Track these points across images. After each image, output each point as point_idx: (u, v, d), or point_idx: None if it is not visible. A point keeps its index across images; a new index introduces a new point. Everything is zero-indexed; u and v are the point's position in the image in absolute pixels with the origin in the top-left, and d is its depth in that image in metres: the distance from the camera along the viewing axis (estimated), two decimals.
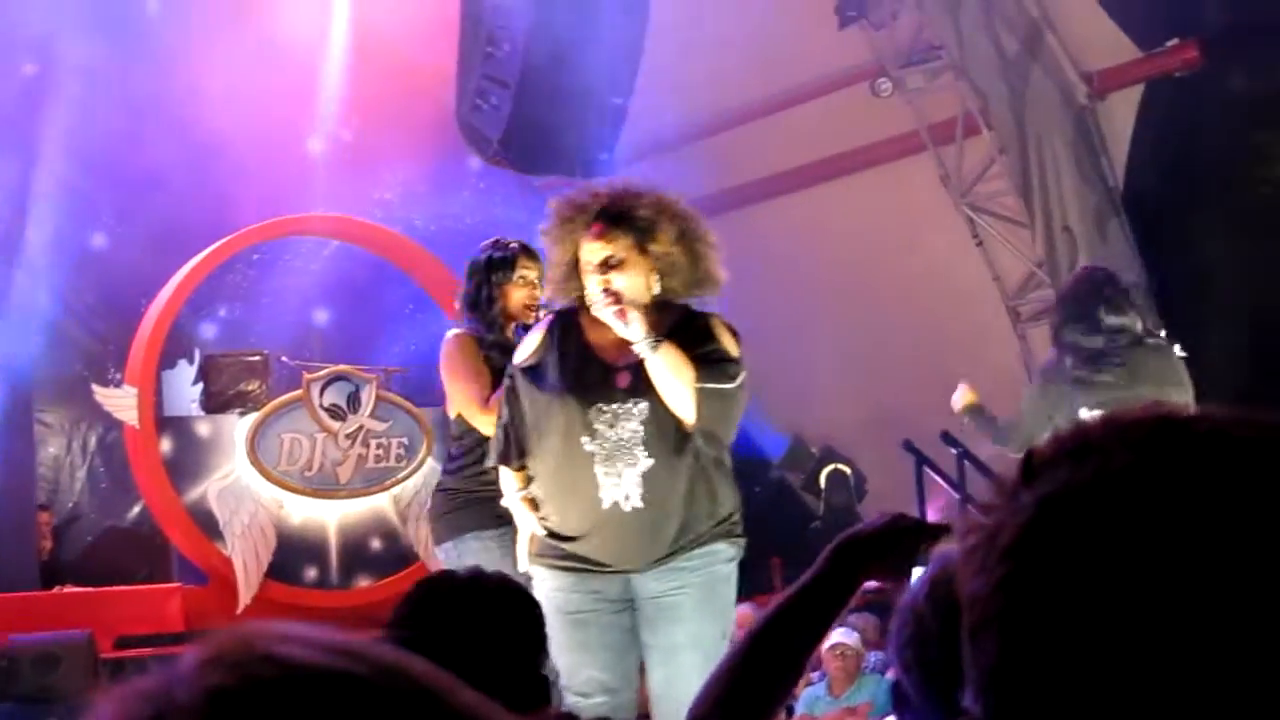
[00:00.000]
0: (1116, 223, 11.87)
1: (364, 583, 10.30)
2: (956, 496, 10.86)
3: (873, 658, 9.04)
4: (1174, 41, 11.57)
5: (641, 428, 5.01)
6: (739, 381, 5.11)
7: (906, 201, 12.42)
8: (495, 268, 6.18)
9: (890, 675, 7.96)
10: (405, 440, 10.39)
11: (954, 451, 11.04)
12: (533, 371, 5.18)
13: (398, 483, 10.34)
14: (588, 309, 5.12)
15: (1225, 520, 0.98)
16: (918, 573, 2.51)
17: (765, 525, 13.63)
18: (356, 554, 10.30)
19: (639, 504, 4.99)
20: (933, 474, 11.20)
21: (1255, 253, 11.92)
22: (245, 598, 9.74)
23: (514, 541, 5.45)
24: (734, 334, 5.21)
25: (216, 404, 10.26)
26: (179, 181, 11.31)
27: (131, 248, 11.60)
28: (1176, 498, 0.99)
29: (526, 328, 5.81)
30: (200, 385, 10.44)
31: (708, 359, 5.05)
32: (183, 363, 10.79)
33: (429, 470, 10.40)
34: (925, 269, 12.38)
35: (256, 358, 10.45)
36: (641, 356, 5.00)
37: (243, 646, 0.89)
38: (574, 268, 5.15)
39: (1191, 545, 0.97)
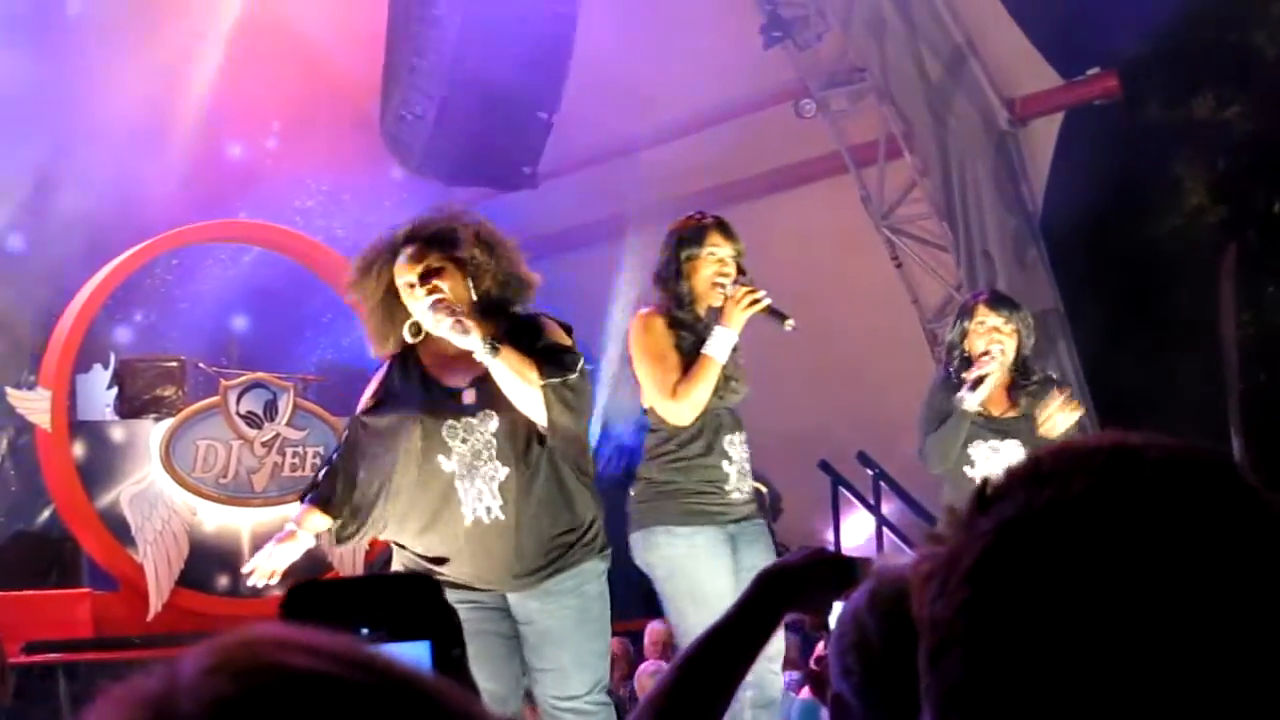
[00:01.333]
0: (1035, 249, 12.00)
1: (277, 592, 10.20)
2: (871, 519, 10.93)
3: (788, 677, 9.06)
4: (1094, 71, 11.71)
5: (494, 439, 5.10)
6: (579, 368, 5.18)
7: (827, 222, 12.49)
8: (684, 242, 5.91)
9: (804, 695, 7.97)
10: (321, 449, 10.32)
11: (870, 472, 11.12)
12: (375, 413, 5.25)
13: None
14: (418, 342, 5.19)
15: (1180, 542, 1.01)
16: (838, 607, 2.54)
17: None
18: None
19: (500, 515, 5.08)
20: (848, 494, 11.27)
21: (1168, 280, 12.07)
22: (156, 605, 9.64)
23: (703, 544, 5.55)
24: (566, 328, 5.33)
25: (131, 409, 10.15)
26: (98, 184, 11.21)
27: (48, 250, 11.50)
28: (1133, 520, 1.02)
29: (719, 311, 5.74)
30: (115, 390, 10.33)
31: (544, 354, 5.12)
32: (97, 367, 10.69)
33: None
34: (844, 290, 12.46)
35: (173, 363, 10.35)
36: (484, 366, 5.04)
37: (246, 654, 0.89)
38: (389, 306, 5.22)
39: (1148, 566, 1.00)
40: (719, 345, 5.65)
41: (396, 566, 5.26)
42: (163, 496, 9.86)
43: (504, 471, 5.11)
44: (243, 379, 10.27)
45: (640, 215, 12.89)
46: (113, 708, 0.88)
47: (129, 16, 11.63)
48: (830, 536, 11.79)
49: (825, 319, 12.48)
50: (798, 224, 12.47)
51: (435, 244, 5.18)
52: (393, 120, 11.00)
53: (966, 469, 6.63)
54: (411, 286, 5.12)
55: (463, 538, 5.10)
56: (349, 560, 10.25)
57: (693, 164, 12.66)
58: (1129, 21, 11.69)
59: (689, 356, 5.67)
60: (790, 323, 5.86)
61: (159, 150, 11.39)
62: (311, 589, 3.18)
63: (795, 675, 8.80)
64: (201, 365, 10.65)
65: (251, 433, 10.11)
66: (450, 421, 5.12)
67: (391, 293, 5.20)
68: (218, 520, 10.05)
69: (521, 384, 5.03)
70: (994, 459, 6.54)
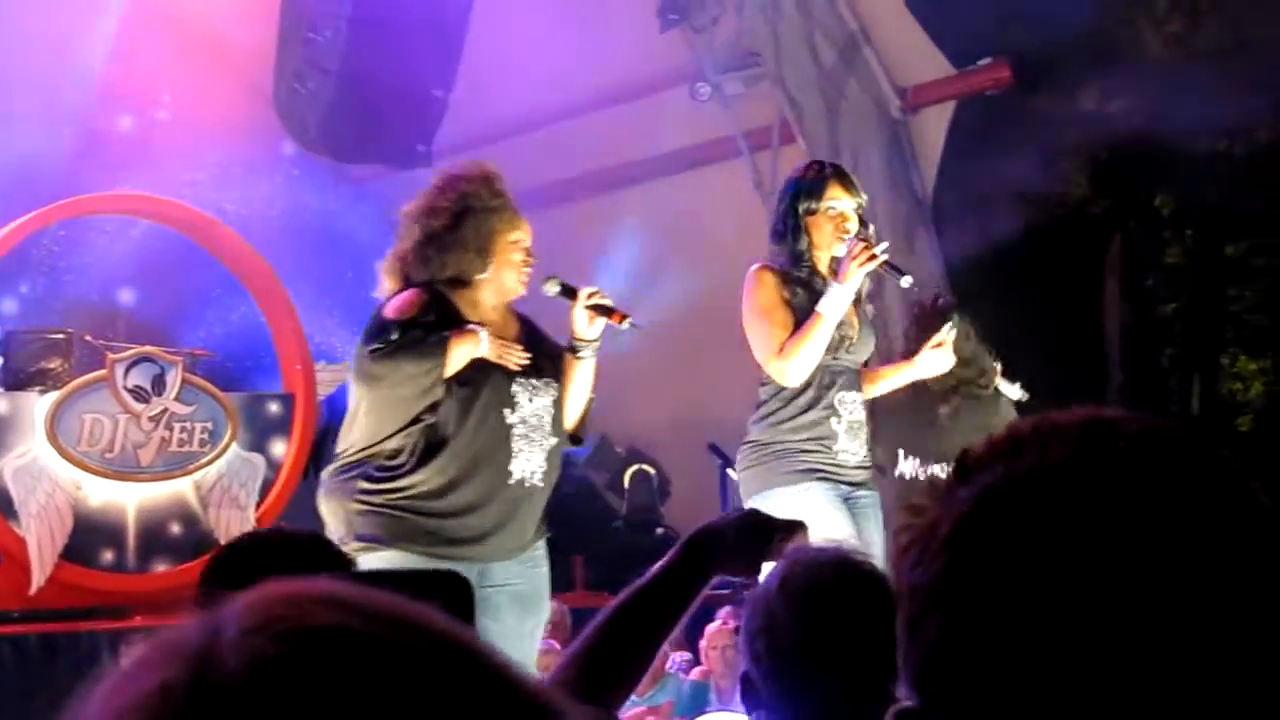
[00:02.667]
0: (924, 234, 12.10)
1: (161, 567, 10.13)
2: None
3: (677, 659, 9.11)
4: (986, 60, 11.82)
5: (553, 408, 5.18)
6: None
7: (721, 206, 12.53)
8: (802, 195, 5.71)
9: (694, 675, 8.03)
10: (209, 425, 10.24)
11: None
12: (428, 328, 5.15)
13: (200, 468, 10.18)
14: (456, 294, 5.16)
15: (1156, 509, 1.04)
16: (767, 568, 2.55)
17: (569, 524, 13.63)
18: (155, 538, 10.12)
19: (539, 483, 5.14)
20: (736, 476, 11.33)
21: (1053, 270, 12.24)
22: (39, 579, 9.53)
23: (819, 496, 5.42)
24: None
25: (16, 381, 10.03)
26: None
27: None
28: (1111, 486, 1.05)
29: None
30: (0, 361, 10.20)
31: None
32: None
33: (233, 456, 10.27)
34: (737, 274, 12.46)
35: (59, 335, 10.23)
36: (581, 354, 5.38)
37: (291, 612, 0.87)
38: (463, 235, 5.22)
39: (1125, 532, 1.03)
40: (832, 303, 5.45)
41: (360, 532, 5.12)
42: (47, 470, 9.74)
43: (551, 442, 5.24)
44: (130, 353, 10.17)
45: (535, 195, 12.89)
46: (150, 662, 0.86)
47: None
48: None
49: (714, 303, 12.56)
50: (690, 206, 12.51)
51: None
52: (286, 94, 10.94)
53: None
54: (527, 251, 5.26)
55: (502, 494, 5.12)
56: (234, 532, 10.18)
57: (588, 145, 12.67)
58: (1020, 12, 11.83)
59: (802, 314, 5.51)
60: (908, 279, 5.66)
61: (47, 122, 11.22)
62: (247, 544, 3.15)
63: (685, 656, 8.85)
64: (88, 338, 10.53)
65: (139, 407, 10.01)
66: (522, 379, 5.18)
67: (469, 218, 5.18)
68: (103, 495, 9.94)
69: (586, 389, 5.36)
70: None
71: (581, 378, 5.37)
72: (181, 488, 10.19)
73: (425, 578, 3.01)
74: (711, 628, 8.27)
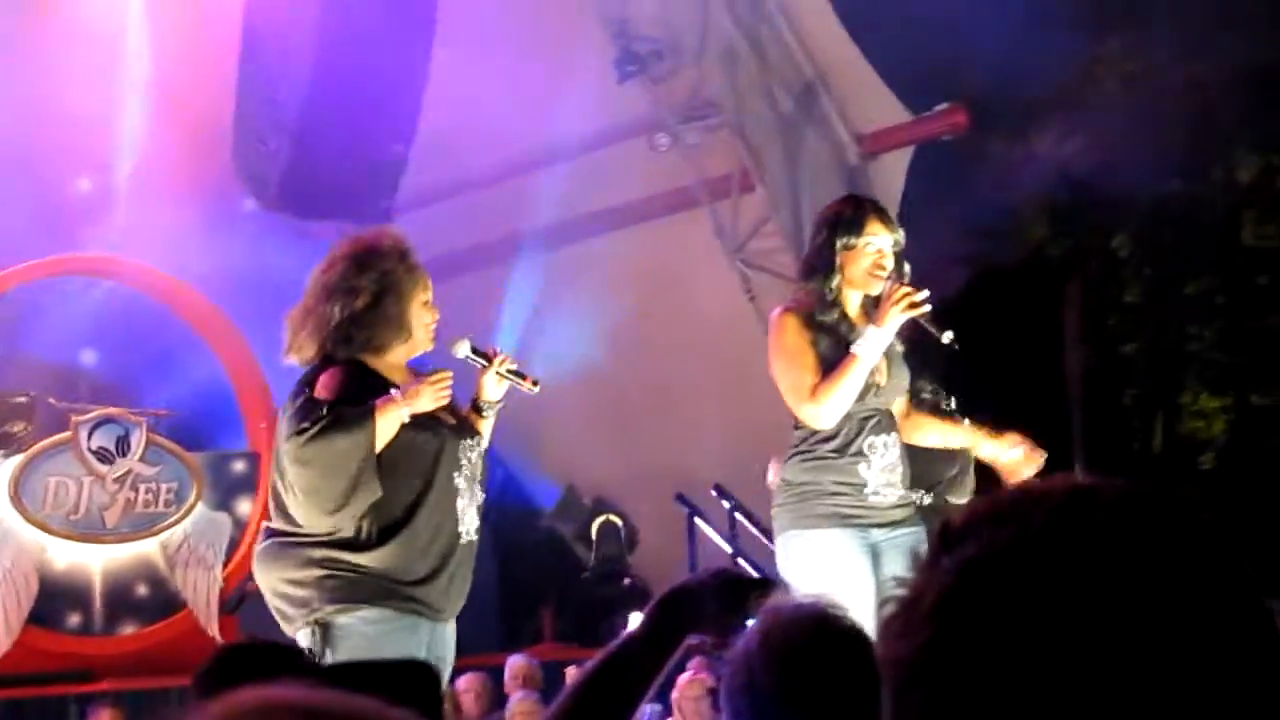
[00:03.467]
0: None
1: (129, 629, 10.09)
2: (728, 550, 10.99)
3: (648, 710, 9.08)
4: (943, 106, 11.91)
5: (481, 462, 5.27)
6: None
7: (681, 255, 12.57)
8: (841, 229, 5.44)
9: None
10: (175, 485, 10.22)
11: (726, 504, 11.19)
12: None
13: (166, 528, 10.15)
14: (374, 358, 5.18)
15: (1138, 577, 1.05)
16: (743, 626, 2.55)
17: (536, 575, 13.71)
18: (122, 600, 10.08)
19: (473, 536, 5.14)
20: (704, 526, 11.33)
21: (1014, 311, 12.30)
22: (4, 643, 9.48)
23: (835, 548, 5.30)
24: None
25: None
26: None
27: None
28: (1092, 557, 1.05)
29: (876, 301, 5.37)
30: None
31: None
32: None
33: (199, 516, 10.24)
34: (699, 323, 12.54)
35: (22, 399, 10.20)
36: (485, 415, 5.39)
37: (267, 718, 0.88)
38: (392, 308, 5.21)
39: (1108, 601, 1.04)
40: (868, 345, 5.28)
41: (319, 576, 5.09)
42: (12, 534, 9.70)
43: (480, 496, 5.25)
44: (94, 414, 10.15)
45: (496, 247, 12.91)
46: None
47: None
48: (686, 570, 11.84)
49: (679, 351, 12.59)
50: (651, 257, 12.54)
51: None
52: (246, 153, 10.91)
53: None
54: (427, 305, 5.25)
55: (453, 557, 5.11)
56: (201, 592, 10.14)
57: (548, 197, 12.69)
58: (975, 57, 11.92)
59: (827, 358, 5.34)
60: (949, 334, 5.43)
61: (5, 183, 11.19)
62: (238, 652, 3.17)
63: (657, 707, 8.82)
64: (51, 401, 10.49)
65: (103, 468, 9.98)
66: (467, 439, 5.22)
67: (389, 295, 5.18)
68: (68, 557, 9.90)
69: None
70: None
71: (485, 436, 5.39)
72: (148, 549, 10.15)
73: (395, 669, 3.01)
74: (683, 678, 8.25)
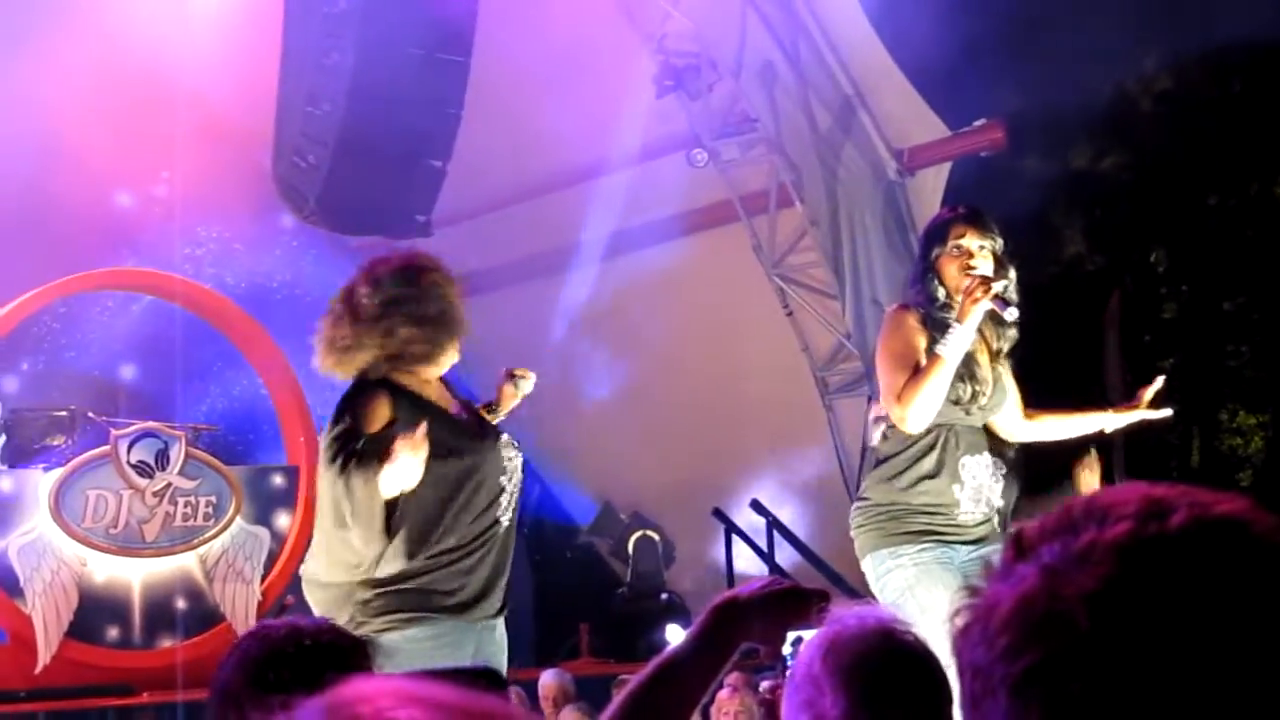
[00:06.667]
0: None
1: (167, 643, 10.11)
2: (765, 564, 10.98)
3: None
4: (981, 122, 11.88)
5: (515, 454, 5.33)
6: None
7: (719, 271, 12.56)
8: (930, 237, 5.47)
9: None
10: (213, 499, 10.25)
11: (764, 520, 11.18)
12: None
13: (205, 542, 10.18)
14: (409, 375, 5.23)
15: (1216, 583, 1.06)
16: (792, 636, 2.54)
17: (573, 591, 13.70)
18: (161, 614, 10.10)
19: (507, 522, 5.21)
20: (741, 541, 11.32)
21: (1052, 328, 12.27)
22: (45, 657, 9.51)
23: (931, 561, 5.22)
24: None
25: (19, 458, 10.04)
26: None
27: None
28: (1171, 563, 1.07)
29: (1002, 299, 5.21)
30: (3, 439, 10.20)
31: None
32: None
33: (237, 529, 10.27)
34: (736, 338, 12.54)
35: (63, 413, 10.25)
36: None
37: (368, 711, 0.89)
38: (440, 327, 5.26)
39: (1190, 608, 1.05)
40: (952, 344, 5.15)
41: (381, 610, 5.14)
42: (51, 547, 9.73)
43: (519, 480, 5.37)
44: (134, 428, 10.18)
45: (533, 263, 12.93)
46: None
47: (15, 62, 11.52)
48: (724, 585, 11.83)
49: (717, 366, 12.59)
50: (689, 272, 12.53)
51: None
52: (285, 168, 10.97)
53: None
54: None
55: (494, 549, 5.18)
56: (240, 606, 10.17)
57: (586, 213, 12.71)
58: (1013, 73, 11.91)
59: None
60: (1013, 312, 5.25)
61: (48, 198, 11.25)
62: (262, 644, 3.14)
63: None
64: (91, 415, 10.53)
65: (143, 482, 10.01)
66: (491, 440, 5.30)
67: (448, 314, 5.23)
68: (108, 571, 9.93)
69: None
70: None
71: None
72: (186, 562, 10.18)
73: (464, 676, 2.99)
74: (722, 694, 8.23)
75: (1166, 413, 5.71)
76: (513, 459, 5.28)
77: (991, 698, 1.09)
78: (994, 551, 5.32)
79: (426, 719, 0.88)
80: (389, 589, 5.02)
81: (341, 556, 5.03)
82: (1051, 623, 1.07)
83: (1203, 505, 1.11)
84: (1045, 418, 5.73)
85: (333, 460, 4.94)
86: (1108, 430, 5.76)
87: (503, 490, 5.19)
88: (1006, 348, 5.53)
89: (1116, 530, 1.09)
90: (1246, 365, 17.08)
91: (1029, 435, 5.67)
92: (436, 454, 4.98)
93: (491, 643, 5.15)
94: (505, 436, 5.32)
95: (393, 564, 5.02)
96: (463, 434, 5.15)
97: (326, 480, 4.99)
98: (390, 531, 4.98)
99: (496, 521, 5.16)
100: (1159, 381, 5.66)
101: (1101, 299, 16.05)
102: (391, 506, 4.96)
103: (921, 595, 5.10)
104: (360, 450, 4.94)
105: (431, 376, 5.27)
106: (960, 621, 1.14)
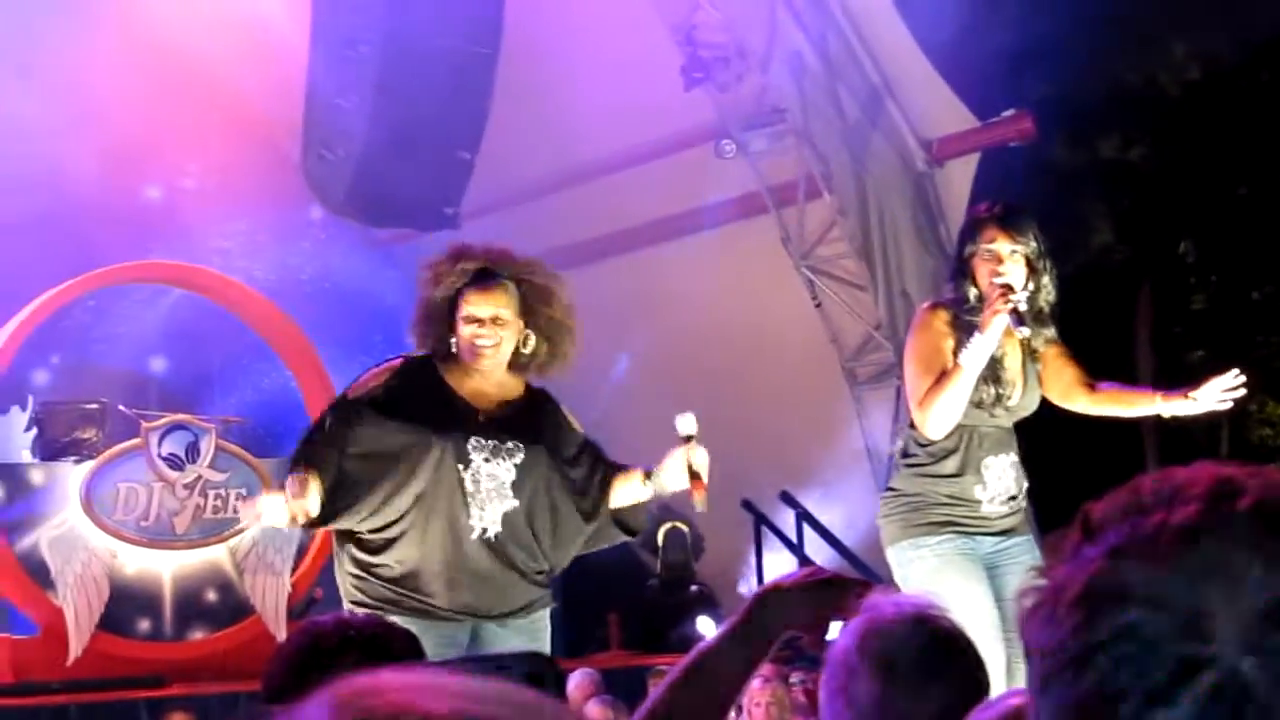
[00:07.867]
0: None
1: (198, 635, 10.14)
2: (795, 556, 10.98)
3: None
4: (1010, 112, 11.86)
5: (515, 471, 5.14)
6: None
7: (747, 262, 12.54)
8: (963, 237, 5.48)
9: None
10: (244, 491, 10.24)
11: (793, 511, 11.17)
12: (382, 406, 5.14)
13: (235, 534, 10.20)
14: (448, 358, 5.21)
15: None
16: (836, 626, 2.54)
17: (602, 583, 13.65)
18: (191, 606, 10.14)
19: (489, 534, 5.09)
20: (771, 533, 11.31)
21: (1081, 319, 12.21)
22: (76, 649, 9.54)
23: (954, 552, 5.27)
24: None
25: (50, 451, 10.07)
26: (14, 224, 11.11)
27: None
28: (1242, 542, 1.06)
29: (1018, 315, 5.18)
30: (34, 432, 10.23)
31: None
32: (15, 409, 10.57)
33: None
34: (765, 329, 12.52)
35: (93, 405, 10.27)
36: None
37: (380, 702, 0.88)
38: (443, 311, 5.24)
39: (1261, 589, 1.04)
40: (972, 353, 5.16)
41: (353, 599, 5.13)
42: (83, 540, 9.76)
43: (513, 503, 5.18)
44: (164, 420, 10.21)
45: (560, 255, 12.92)
46: None
47: (40, 55, 11.55)
48: (753, 577, 11.83)
49: (745, 358, 12.57)
50: (717, 263, 12.52)
51: (525, 295, 5.37)
52: (314, 160, 10.96)
53: None
54: (466, 318, 5.20)
55: (462, 554, 5.11)
56: (270, 598, 10.19)
57: (614, 204, 12.70)
58: (1041, 63, 11.88)
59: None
60: (1025, 331, 5.25)
61: (76, 191, 11.28)
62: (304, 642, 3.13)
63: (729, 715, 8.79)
64: (122, 408, 10.56)
65: (173, 475, 10.04)
66: (477, 436, 5.17)
67: (449, 299, 5.23)
68: (139, 563, 9.97)
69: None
70: None
71: (640, 494, 5.54)
72: (217, 555, 10.21)
73: (513, 659, 2.98)
74: (754, 685, 8.23)
75: (1220, 405, 5.55)
76: (484, 459, 5.17)
77: (1059, 679, 1.09)
78: (1020, 544, 5.33)
79: (439, 709, 0.87)
80: (367, 575, 5.12)
81: None
82: (1117, 606, 1.07)
83: (1273, 486, 1.10)
84: (1108, 395, 5.62)
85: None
86: (1164, 416, 5.67)
87: (464, 492, 5.10)
88: (1042, 346, 5.51)
89: (1186, 512, 1.09)
90: (1276, 355, 17.03)
91: (1093, 410, 5.60)
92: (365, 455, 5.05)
93: (492, 644, 5.12)
94: (485, 440, 5.19)
95: (366, 551, 5.17)
96: (401, 433, 5.11)
97: None
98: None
99: (468, 525, 5.10)
100: (1232, 376, 5.40)
101: (1130, 290, 16.02)
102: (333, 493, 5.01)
103: (942, 585, 5.11)
104: (303, 441, 5.10)
105: (463, 371, 5.25)
106: (1028, 603, 1.14)
